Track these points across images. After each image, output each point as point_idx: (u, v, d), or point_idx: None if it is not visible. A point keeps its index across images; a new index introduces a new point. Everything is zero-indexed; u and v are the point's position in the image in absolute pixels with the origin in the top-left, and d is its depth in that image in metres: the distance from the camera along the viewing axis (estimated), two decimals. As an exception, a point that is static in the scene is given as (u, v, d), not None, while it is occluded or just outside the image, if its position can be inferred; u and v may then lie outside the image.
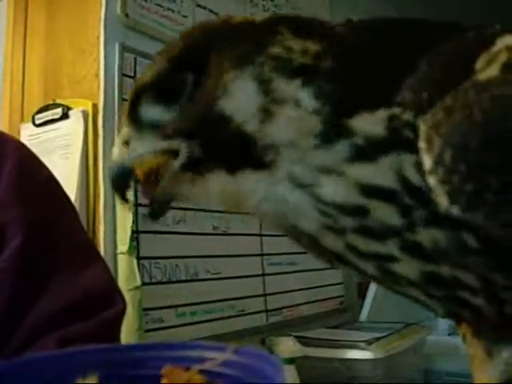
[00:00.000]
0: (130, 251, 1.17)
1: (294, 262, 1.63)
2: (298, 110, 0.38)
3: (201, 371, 0.33)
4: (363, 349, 1.26)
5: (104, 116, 1.21)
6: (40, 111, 1.28)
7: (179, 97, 0.41)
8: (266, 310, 1.51)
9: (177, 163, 0.41)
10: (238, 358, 0.33)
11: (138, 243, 1.19)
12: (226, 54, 0.40)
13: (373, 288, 1.65)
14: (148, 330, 1.18)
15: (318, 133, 0.38)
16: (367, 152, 0.37)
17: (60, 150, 1.24)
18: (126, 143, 0.44)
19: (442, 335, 1.59)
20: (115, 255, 1.18)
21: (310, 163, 0.38)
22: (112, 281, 0.83)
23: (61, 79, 1.30)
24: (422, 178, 0.35)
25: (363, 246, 0.38)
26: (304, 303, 1.65)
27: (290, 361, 1.17)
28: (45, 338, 0.68)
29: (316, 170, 0.38)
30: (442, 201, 0.34)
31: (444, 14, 0.43)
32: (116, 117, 1.23)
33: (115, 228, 1.19)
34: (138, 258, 1.19)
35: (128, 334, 1.02)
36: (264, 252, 1.54)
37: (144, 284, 1.18)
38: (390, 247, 0.38)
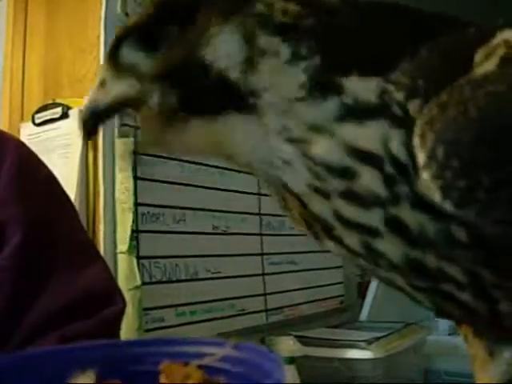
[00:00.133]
0: (129, 251, 1.17)
1: (294, 262, 1.63)
2: (278, 60, 0.39)
3: (200, 366, 0.33)
4: (363, 348, 1.26)
5: (104, 115, 1.21)
6: (40, 110, 1.28)
7: (162, 46, 0.42)
8: (266, 310, 1.51)
9: (151, 106, 0.41)
10: (237, 354, 0.33)
11: (137, 243, 1.19)
12: (212, 9, 0.41)
13: (373, 288, 1.65)
14: (148, 330, 1.17)
15: (305, 85, 0.38)
16: (356, 113, 0.37)
17: (60, 150, 1.24)
18: (102, 85, 0.44)
19: (442, 335, 1.58)
20: (115, 255, 1.17)
21: (299, 116, 0.38)
22: (112, 280, 0.83)
23: (61, 78, 1.30)
24: (410, 159, 0.36)
25: (349, 213, 0.39)
26: (304, 303, 1.65)
27: (290, 360, 1.16)
28: (45, 336, 0.68)
29: (307, 127, 0.38)
30: (436, 196, 0.34)
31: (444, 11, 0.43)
32: (116, 116, 1.22)
33: (115, 227, 1.19)
34: (138, 258, 1.19)
35: (128, 333, 1.02)
36: (264, 251, 1.54)
37: (144, 283, 1.18)
38: (375, 218, 0.38)
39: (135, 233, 1.19)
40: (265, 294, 1.52)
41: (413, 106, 0.36)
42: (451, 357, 1.39)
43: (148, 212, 1.22)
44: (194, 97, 0.40)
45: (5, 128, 1.29)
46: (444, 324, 1.62)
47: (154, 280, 1.22)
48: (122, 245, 1.17)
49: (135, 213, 1.19)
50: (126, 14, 1.26)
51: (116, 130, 1.20)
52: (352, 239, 0.40)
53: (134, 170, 1.20)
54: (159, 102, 0.41)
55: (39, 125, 1.27)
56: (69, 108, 1.23)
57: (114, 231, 1.19)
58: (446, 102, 0.35)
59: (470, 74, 0.36)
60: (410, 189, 0.37)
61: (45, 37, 1.36)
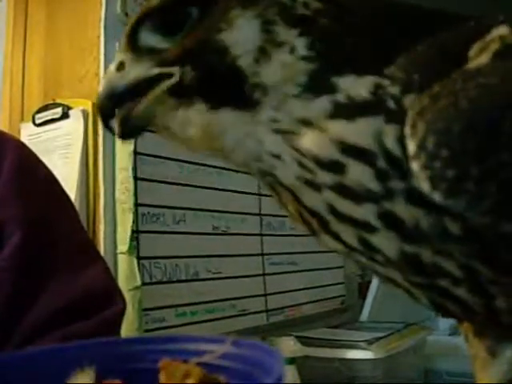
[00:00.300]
0: (130, 251, 1.17)
1: (294, 262, 1.63)
2: (292, 56, 0.39)
3: (199, 364, 0.33)
4: (364, 349, 1.26)
5: (104, 115, 1.21)
6: (40, 111, 1.28)
7: (181, 29, 0.41)
8: (267, 310, 1.51)
9: (165, 85, 0.41)
10: (236, 351, 0.33)
11: (138, 243, 1.19)
12: None
13: (373, 288, 1.65)
14: (148, 330, 1.17)
15: (303, 83, 0.38)
16: (348, 110, 0.37)
17: (60, 150, 1.24)
18: (120, 68, 0.43)
19: (443, 335, 1.58)
20: (115, 255, 1.17)
21: (291, 111, 0.39)
22: (112, 280, 0.83)
23: (61, 79, 1.31)
24: (404, 154, 0.36)
25: (342, 207, 0.38)
26: (305, 303, 1.65)
27: (291, 360, 1.16)
28: (45, 336, 0.68)
29: (296, 120, 0.38)
30: (425, 186, 0.34)
31: (444, 8, 0.43)
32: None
33: (115, 228, 1.19)
34: (138, 258, 1.19)
35: (128, 333, 1.02)
36: (264, 252, 1.54)
37: (144, 284, 1.18)
38: (368, 212, 0.38)
39: (135, 233, 1.19)
40: (265, 295, 1.52)
41: (408, 100, 0.36)
42: (452, 357, 1.39)
43: (148, 212, 1.22)
44: (206, 81, 0.40)
45: (5, 128, 1.29)
46: (444, 324, 1.62)
47: (154, 280, 1.22)
48: (122, 245, 1.17)
49: (135, 213, 1.19)
50: (126, 14, 1.26)
51: (116, 130, 1.20)
52: (348, 234, 0.40)
53: (134, 170, 1.19)
54: (175, 85, 0.40)
55: (39, 125, 1.27)
56: (69, 108, 1.23)
57: (114, 231, 1.19)
58: (438, 93, 0.35)
59: (463, 68, 0.36)
60: (405, 183, 0.37)
61: (45, 37, 1.36)
